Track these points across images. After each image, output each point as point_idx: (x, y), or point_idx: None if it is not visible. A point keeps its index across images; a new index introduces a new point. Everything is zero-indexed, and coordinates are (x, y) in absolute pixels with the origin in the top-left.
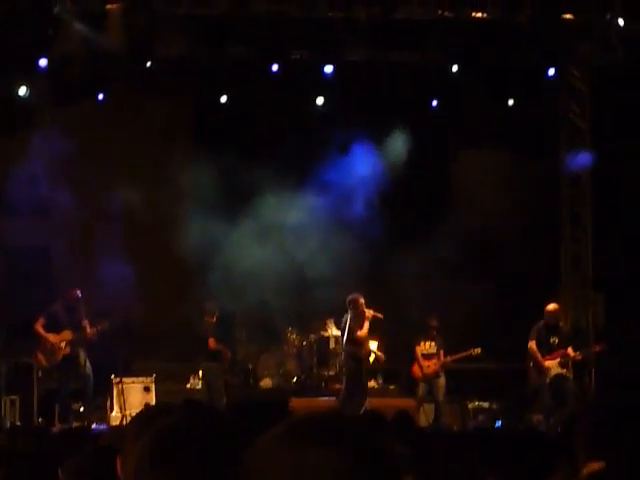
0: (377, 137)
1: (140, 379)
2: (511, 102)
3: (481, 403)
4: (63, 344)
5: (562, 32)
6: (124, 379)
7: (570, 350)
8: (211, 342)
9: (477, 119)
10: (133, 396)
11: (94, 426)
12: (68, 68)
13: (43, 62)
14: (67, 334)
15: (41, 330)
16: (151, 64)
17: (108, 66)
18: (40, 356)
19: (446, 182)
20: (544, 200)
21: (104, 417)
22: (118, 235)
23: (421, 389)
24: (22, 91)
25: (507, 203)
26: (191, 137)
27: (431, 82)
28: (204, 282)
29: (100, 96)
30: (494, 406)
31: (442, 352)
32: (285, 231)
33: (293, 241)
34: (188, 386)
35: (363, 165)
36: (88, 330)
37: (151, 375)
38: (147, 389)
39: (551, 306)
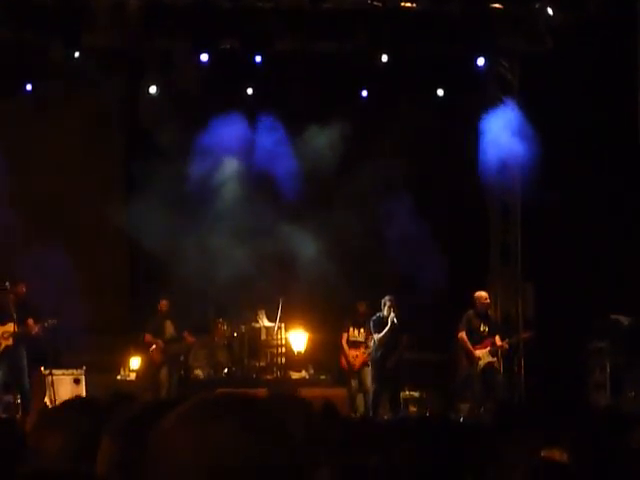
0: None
1: (70, 371)
2: (441, 92)
3: (412, 393)
4: (6, 335)
5: (491, 22)
6: (54, 371)
7: (497, 339)
8: (147, 337)
9: (406, 110)
10: (63, 388)
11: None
12: None
13: None
14: (10, 327)
15: None
16: (79, 54)
17: (36, 56)
18: None
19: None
20: (474, 190)
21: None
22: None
23: (352, 379)
24: None
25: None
26: (122, 129)
27: (361, 72)
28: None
29: (28, 87)
30: (424, 395)
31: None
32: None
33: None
34: (118, 377)
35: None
36: (32, 326)
37: (81, 367)
38: (77, 381)
39: (481, 293)
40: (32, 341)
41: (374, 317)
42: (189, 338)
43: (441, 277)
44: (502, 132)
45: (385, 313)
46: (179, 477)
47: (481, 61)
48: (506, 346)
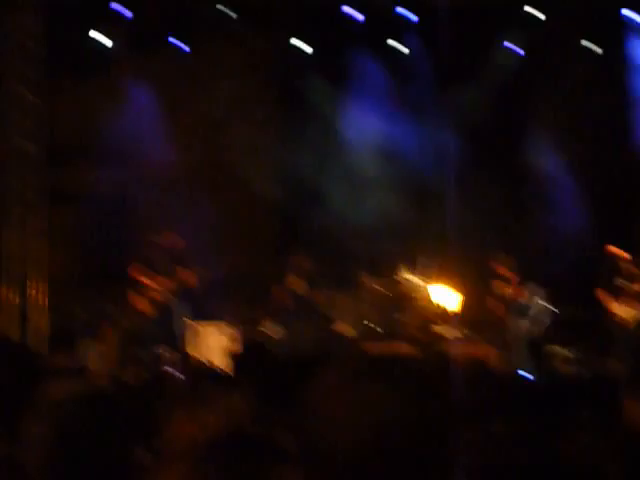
0: None
1: (217, 323)
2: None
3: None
4: (162, 290)
5: None
6: (201, 323)
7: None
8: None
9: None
10: (215, 343)
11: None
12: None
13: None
14: (166, 281)
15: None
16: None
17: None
18: (142, 301)
19: None
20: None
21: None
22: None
23: None
24: (103, 39)
25: None
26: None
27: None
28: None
29: (183, 45)
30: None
31: None
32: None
33: None
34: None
35: None
36: (188, 278)
37: (229, 320)
38: (225, 334)
39: (619, 250)
40: (190, 295)
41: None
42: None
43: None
44: None
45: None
46: (339, 431)
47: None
48: None
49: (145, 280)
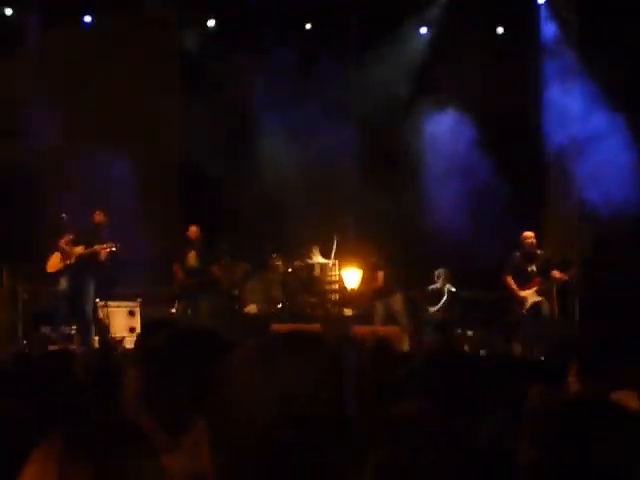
0: None
1: (125, 303)
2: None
3: (467, 331)
4: (74, 252)
5: None
6: (109, 303)
7: (556, 272)
8: (174, 267)
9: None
10: (118, 320)
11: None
12: None
13: None
14: (80, 248)
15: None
16: None
17: None
18: (54, 259)
19: None
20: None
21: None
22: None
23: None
24: (6, 10)
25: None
26: (178, 63)
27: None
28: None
29: (87, 19)
30: (478, 334)
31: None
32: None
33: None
34: (173, 311)
35: None
36: (101, 249)
37: (136, 299)
38: (132, 313)
39: (526, 234)
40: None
41: (428, 290)
42: (215, 270)
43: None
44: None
45: (439, 285)
46: (249, 409)
47: None
48: (563, 278)
49: (59, 252)
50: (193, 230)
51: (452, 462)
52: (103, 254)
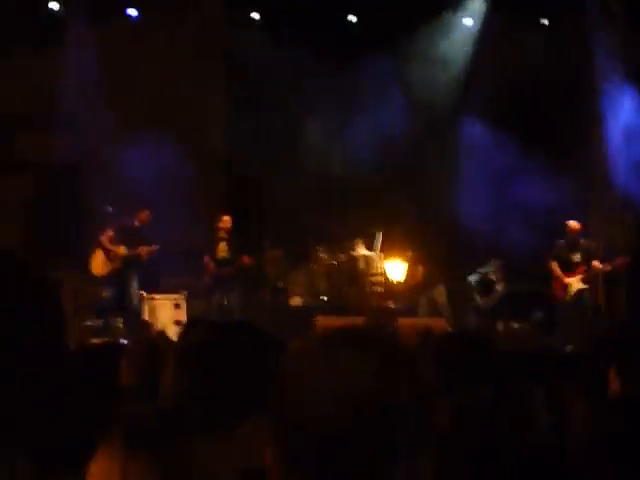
0: None
1: (171, 296)
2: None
3: (512, 324)
4: (118, 257)
5: None
6: (155, 296)
7: (595, 263)
8: (205, 258)
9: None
10: (164, 313)
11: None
12: None
13: None
14: (122, 249)
15: (104, 241)
16: None
17: None
18: (99, 263)
19: None
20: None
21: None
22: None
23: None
24: (54, 5)
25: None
26: (223, 57)
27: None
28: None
29: (133, 12)
30: (524, 327)
31: None
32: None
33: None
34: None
35: None
36: (144, 252)
37: (182, 292)
38: (178, 306)
39: (570, 222)
40: (142, 266)
41: (476, 276)
42: (245, 260)
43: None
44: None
45: (491, 276)
46: (311, 405)
47: None
48: (606, 268)
49: (102, 251)
50: (226, 219)
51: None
52: (145, 255)
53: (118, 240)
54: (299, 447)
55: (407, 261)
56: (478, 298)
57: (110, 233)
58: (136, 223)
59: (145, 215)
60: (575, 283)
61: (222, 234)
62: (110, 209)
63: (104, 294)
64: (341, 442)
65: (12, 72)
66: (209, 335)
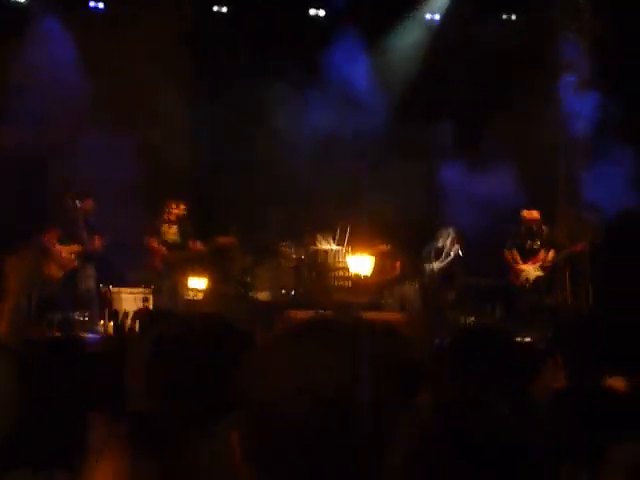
0: None
1: (138, 289)
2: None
3: (468, 318)
4: (73, 257)
5: None
6: (121, 289)
7: (551, 252)
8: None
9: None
10: (130, 307)
11: (90, 335)
12: None
13: None
14: (76, 247)
15: (53, 244)
16: None
17: None
18: (53, 268)
19: None
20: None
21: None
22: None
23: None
24: None
25: None
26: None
27: None
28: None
29: (99, 5)
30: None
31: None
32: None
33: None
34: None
35: None
36: (97, 243)
37: (149, 286)
38: (146, 300)
39: (528, 210)
40: (98, 259)
41: (430, 247)
42: (196, 246)
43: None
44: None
45: (446, 243)
46: (280, 397)
47: None
48: (555, 259)
49: (57, 245)
50: (181, 207)
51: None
52: (100, 247)
53: (65, 236)
54: (268, 444)
55: (382, 255)
56: (433, 264)
57: (54, 232)
58: (81, 210)
59: (89, 204)
60: (532, 270)
61: (173, 218)
62: (78, 203)
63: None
64: (311, 438)
65: None
66: (183, 329)
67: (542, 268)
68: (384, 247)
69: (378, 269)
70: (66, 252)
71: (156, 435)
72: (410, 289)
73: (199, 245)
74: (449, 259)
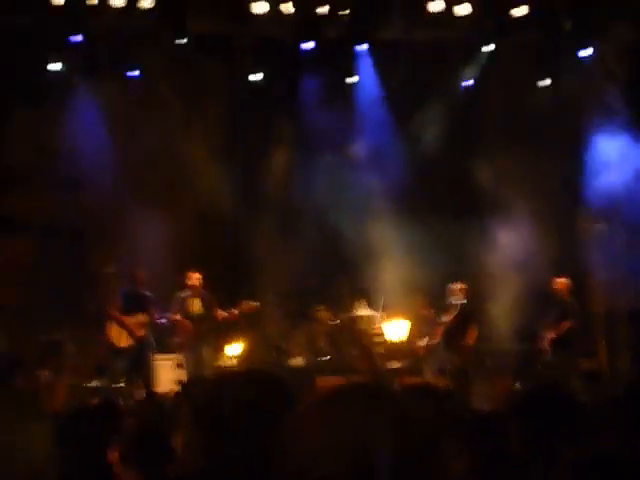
0: None
1: (172, 356)
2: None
3: None
4: (139, 326)
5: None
6: (156, 356)
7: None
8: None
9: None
10: (165, 373)
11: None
12: (102, 43)
13: (77, 37)
14: (142, 317)
15: (117, 314)
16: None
17: (141, 41)
18: (115, 335)
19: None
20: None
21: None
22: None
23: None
24: (55, 66)
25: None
26: (224, 116)
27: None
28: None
29: (135, 72)
30: None
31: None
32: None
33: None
34: (220, 363)
35: None
36: (153, 315)
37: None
38: (180, 366)
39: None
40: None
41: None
42: (220, 314)
43: None
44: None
45: (452, 300)
46: (315, 457)
47: (588, 51)
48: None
49: (116, 324)
50: (196, 277)
51: None
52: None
53: (125, 308)
54: None
55: (426, 321)
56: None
57: (117, 303)
58: (137, 287)
59: (142, 276)
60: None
61: (193, 289)
62: (113, 270)
63: (119, 363)
64: None
65: (13, 132)
66: (217, 393)
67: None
68: (425, 312)
69: (417, 333)
70: (133, 322)
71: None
72: (447, 354)
73: (223, 313)
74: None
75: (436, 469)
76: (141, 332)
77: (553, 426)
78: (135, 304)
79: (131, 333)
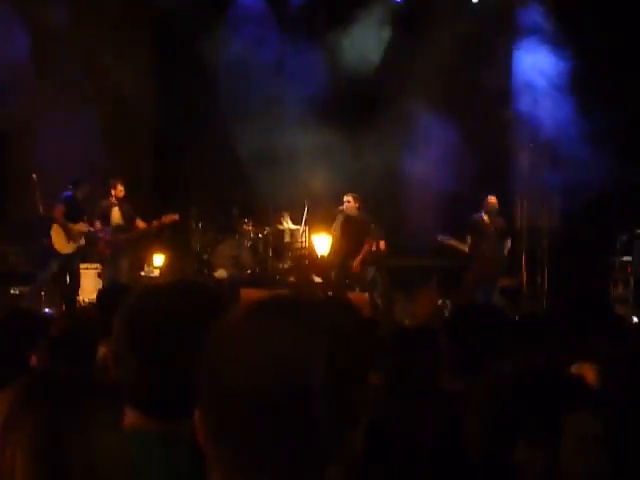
0: None
1: (94, 265)
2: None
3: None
4: (79, 235)
5: None
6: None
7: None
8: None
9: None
10: (87, 282)
11: (47, 310)
12: None
13: None
14: (83, 226)
15: (62, 218)
16: None
17: None
18: (58, 240)
19: None
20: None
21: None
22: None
23: None
24: None
25: None
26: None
27: None
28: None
29: None
30: None
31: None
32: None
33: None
34: (142, 274)
35: None
36: (98, 226)
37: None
38: (100, 275)
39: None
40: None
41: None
42: (140, 225)
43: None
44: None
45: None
46: (241, 365)
47: None
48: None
49: (60, 228)
50: (119, 188)
51: None
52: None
53: (68, 215)
54: (223, 419)
55: (367, 234)
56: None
57: (61, 208)
58: (79, 196)
59: (87, 189)
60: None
61: (113, 200)
62: (34, 177)
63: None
64: (265, 413)
65: None
66: (158, 299)
67: None
68: (370, 226)
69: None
70: (75, 229)
71: (47, 394)
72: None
73: (142, 224)
74: None
75: (366, 386)
76: (81, 241)
77: (481, 341)
78: (75, 212)
79: (73, 239)
